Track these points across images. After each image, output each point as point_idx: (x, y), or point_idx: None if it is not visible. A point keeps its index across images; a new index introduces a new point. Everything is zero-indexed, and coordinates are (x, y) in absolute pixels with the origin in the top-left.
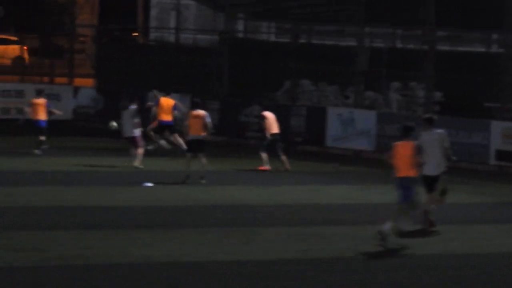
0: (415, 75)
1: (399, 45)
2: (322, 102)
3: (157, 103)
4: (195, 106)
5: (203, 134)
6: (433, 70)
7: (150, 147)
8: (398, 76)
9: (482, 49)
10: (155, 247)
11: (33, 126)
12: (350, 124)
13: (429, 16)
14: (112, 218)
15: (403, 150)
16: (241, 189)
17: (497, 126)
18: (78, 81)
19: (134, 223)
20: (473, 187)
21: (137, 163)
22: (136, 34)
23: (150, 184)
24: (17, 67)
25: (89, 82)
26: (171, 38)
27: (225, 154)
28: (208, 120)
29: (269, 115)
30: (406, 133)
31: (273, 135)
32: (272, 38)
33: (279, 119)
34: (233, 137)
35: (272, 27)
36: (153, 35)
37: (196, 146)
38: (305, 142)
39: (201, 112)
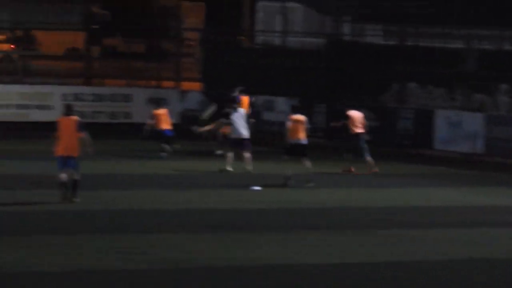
0: None
1: (507, 47)
2: (429, 105)
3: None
4: (295, 110)
5: (305, 138)
6: None
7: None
8: (506, 78)
9: None
10: (263, 249)
11: (160, 135)
12: (458, 126)
13: None
14: (223, 220)
15: None
16: (347, 191)
17: None
18: (185, 85)
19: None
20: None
21: (249, 166)
22: (242, 37)
23: (258, 188)
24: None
25: (196, 86)
26: (277, 41)
27: (329, 156)
28: (307, 125)
29: (354, 114)
30: None
31: (357, 134)
32: (379, 40)
33: (387, 122)
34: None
35: (379, 30)
36: (259, 38)
37: (298, 151)
38: (413, 145)
39: (301, 117)
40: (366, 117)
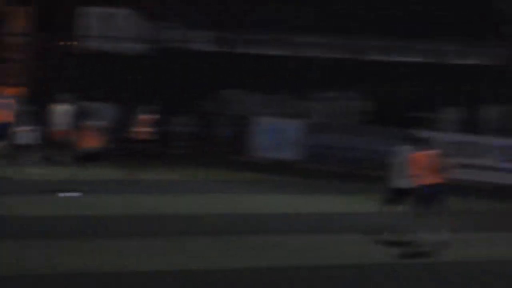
0: (343, 85)
1: (334, 55)
2: (250, 112)
3: None
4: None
5: (99, 145)
6: (365, 81)
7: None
8: (329, 85)
9: (416, 59)
10: None
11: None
12: (278, 133)
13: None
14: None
15: (426, 159)
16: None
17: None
18: (9, 91)
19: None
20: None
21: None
22: (73, 43)
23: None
24: None
25: (21, 91)
26: (108, 47)
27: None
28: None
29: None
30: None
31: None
32: (208, 47)
33: (208, 129)
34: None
35: (208, 37)
36: (92, 44)
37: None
38: (233, 152)
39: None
40: (187, 123)
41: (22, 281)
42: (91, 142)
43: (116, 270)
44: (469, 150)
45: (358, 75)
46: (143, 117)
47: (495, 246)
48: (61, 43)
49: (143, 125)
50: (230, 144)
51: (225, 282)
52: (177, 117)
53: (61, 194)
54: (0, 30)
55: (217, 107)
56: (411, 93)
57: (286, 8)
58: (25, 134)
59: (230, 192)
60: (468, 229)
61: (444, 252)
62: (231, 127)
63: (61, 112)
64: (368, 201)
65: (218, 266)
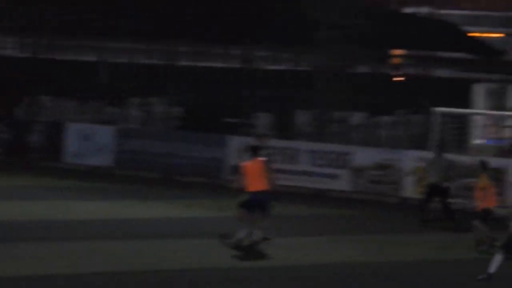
0: (155, 90)
1: (140, 60)
2: (61, 118)
3: None
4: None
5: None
6: (174, 86)
7: None
8: (138, 91)
9: (223, 65)
10: None
11: None
12: (88, 139)
13: (171, 31)
14: None
15: (254, 167)
16: None
17: (233, 141)
18: None
19: None
20: (213, 202)
21: None
22: None
23: None
24: None
25: None
26: None
27: None
28: None
29: None
30: (255, 151)
31: None
32: (15, 53)
33: (19, 135)
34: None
35: (14, 42)
36: None
37: None
38: (44, 158)
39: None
40: None
41: None
42: None
43: None
44: (282, 155)
45: (171, 80)
46: None
47: (319, 250)
48: None
49: None
50: (43, 150)
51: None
52: None
53: None
54: None
55: (29, 113)
56: (226, 99)
57: (98, 13)
58: None
59: (44, 199)
60: (292, 234)
61: (281, 256)
62: (44, 133)
63: None
64: (186, 207)
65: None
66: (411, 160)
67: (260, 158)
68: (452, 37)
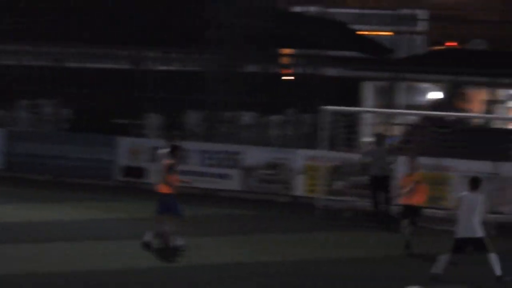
0: (44, 92)
1: (28, 62)
2: None
3: None
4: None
5: None
6: (63, 87)
7: None
8: (27, 93)
9: (113, 66)
10: None
11: None
12: None
13: (59, 33)
14: None
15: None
16: None
17: (124, 142)
18: None
19: None
20: (104, 203)
21: None
22: None
23: None
24: None
25: None
26: None
27: None
28: None
29: None
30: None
31: None
32: None
33: None
34: None
35: None
36: None
37: None
38: None
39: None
40: None
41: None
42: None
43: None
44: None
45: (60, 82)
46: None
47: (212, 250)
48: None
49: None
50: None
51: None
52: None
53: None
54: None
55: None
56: (116, 100)
57: None
58: None
59: None
60: (186, 235)
61: (184, 257)
62: None
63: None
64: (74, 209)
65: None
66: (301, 159)
67: (165, 160)
68: (341, 36)
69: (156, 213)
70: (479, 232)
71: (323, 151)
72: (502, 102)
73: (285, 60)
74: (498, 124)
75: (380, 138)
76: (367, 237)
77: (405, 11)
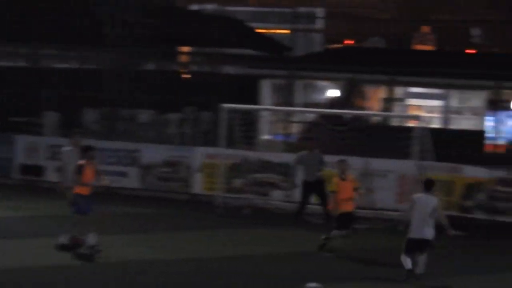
0: None
1: None
2: None
3: None
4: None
5: None
6: None
7: None
8: None
9: (10, 63)
10: None
11: None
12: None
13: None
14: None
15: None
16: None
17: (21, 140)
18: None
19: None
20: (3, 202)
21: None
22: None
23: None
24: None
25: None
26: None
27: None
28: None
29: None
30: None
31: None
32: None
33: None
34: None
35: None
36: None
37: None
38: None
39: None
40: None
41: None
42: None
43: None
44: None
45: None
46: None
47: (113, 249)
48: None
49: None
50: None
51: None
52: None
53: None
54: None
55: None
56: (13, 98)
57: None
58: None
59: None
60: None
61: (98, 255)
62: None
63: None
64: None
65: None
66: (200, 156)
67: (79, 161)
68: (239, 34)
69: (71, 213)
70: (430, 235)
71: (222, 149)
72: (400, 100)
73: (183, 58)
74: (396, 122)
75: (311, 145)
76: (267, 235)
77: (303, 9)
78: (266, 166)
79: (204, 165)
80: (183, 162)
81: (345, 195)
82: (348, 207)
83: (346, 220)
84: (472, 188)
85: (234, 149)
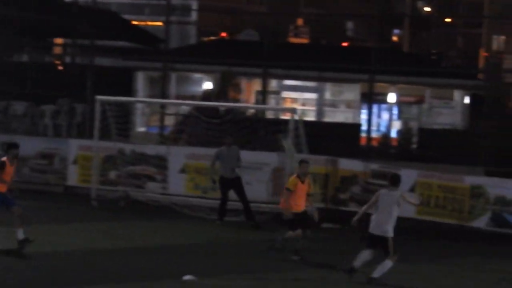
0: None
1: None
2: None
3: None
4: None
5: None
6: None
7: None
8: None
9: None
10: None
11: None
12: None
13: None
14: None
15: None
16: None
17: None
18: None
19: None
20: None
21: None
22: None
23: None
24: None
25: None
26: None
27: None
28: None
29: None
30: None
31: None
32: None
33: None
34: None
35: None
36: None
37: None
38: None
39: None
40: None
41: None
42: None
43: None
44: None
45: None
46: None
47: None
48: None
49: None
50: None
51: None
52: None
53: None
54: None
55: None
56: None
57: None
58: None
59: None
60: None
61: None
62: None
63: None
64: None
65: None
66: (74, 148)
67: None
68: (113, 26)
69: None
70: (390, 232)
71: (96, 140)
72: (275, 92)
73: (57, 50)
74: (271, 115)
75: (229, 140)
76: (143, 227)
77: (177, 1)
78: (141, 158)
79: (79, 157)
80: (58, 154)
81: (299, 197)
82: (300, 208)
83: (301, 220)
84: (347, 181)
85: (108, 141)
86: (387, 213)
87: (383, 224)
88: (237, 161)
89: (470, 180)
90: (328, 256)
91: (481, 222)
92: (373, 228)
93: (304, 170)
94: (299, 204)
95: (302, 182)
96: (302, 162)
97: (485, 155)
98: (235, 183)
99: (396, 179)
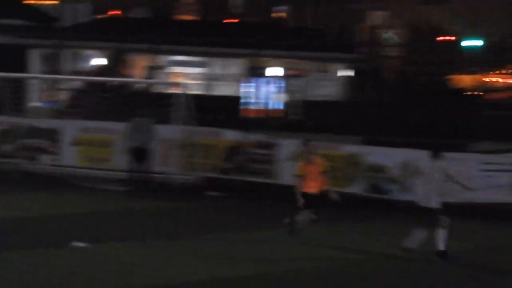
0: None
1: None
2: None
3: None
4: None
5: None
6: None
7: None
8: None
9: None
10: None
11: None
12: None
13: None
14: None
15: None
16: None
17: None
18: None
19: None
20: None
21: None
22: None
23: None
24: None
25: None
26: None
27: None
28: None
29: None
30: None
31: None
32: None
33: None
34: None
35: None
36: None
37: None
38: None
39: None
40: None
41: None
42: None
43: None
44: None
45: None
46: None
47: None
48: None
49: None
50: None
51: None
52: None
53: None
54: None
55: None
56: None
57: None
58: None
59: None
60: None
61: None
62: None
63: None
64: None
65: None
66: None
67: None
68: (7, 4)
69: None
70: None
71: None
72: (163, 67)
73: None
74: (159, 89)
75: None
76: (37, 198)
77: None
78: (35, 132)
79: None
80: None
81: (311, 179)
82: (313, 190)
83: (311, 201)
84: (231, 151)
85: (4, 115)
86: None
87: None
88: (149, 132)
89: (347, 148)
90: (210, 224)
91: (357, 188)
92: None
93: (307, 151)
94: (312, 185)
95: (311, 163)
96: (305, 143)
97: (363, 125)
98: (143, 153)
99: None
